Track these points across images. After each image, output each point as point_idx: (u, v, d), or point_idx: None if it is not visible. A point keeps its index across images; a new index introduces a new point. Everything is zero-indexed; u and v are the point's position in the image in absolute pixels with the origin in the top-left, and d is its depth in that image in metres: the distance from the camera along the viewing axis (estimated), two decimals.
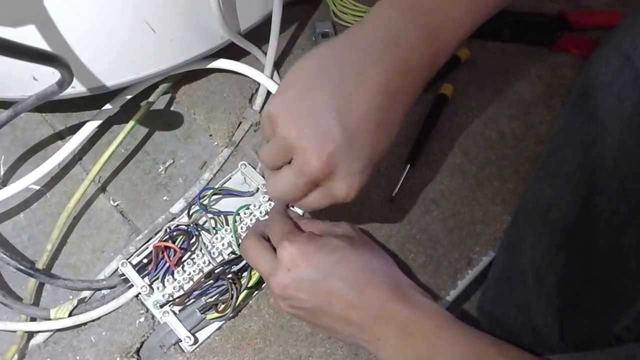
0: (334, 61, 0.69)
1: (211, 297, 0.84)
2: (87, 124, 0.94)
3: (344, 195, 0.72)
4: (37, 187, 0.95)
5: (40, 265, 0.89)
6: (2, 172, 0.97)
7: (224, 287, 0.84)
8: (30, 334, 0.88)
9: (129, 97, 0.97)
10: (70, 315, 0.86)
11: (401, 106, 0.70)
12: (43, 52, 0.66)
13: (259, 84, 1.01)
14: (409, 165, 0.94)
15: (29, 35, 0.79)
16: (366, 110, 0.67)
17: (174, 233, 0.88)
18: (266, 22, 0.97)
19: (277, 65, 1.04)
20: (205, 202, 0.91)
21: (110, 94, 0.95)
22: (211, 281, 0.84)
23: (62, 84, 0.76)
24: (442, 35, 0.69)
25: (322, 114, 0.67)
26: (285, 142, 0.69)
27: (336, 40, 0.70)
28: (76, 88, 0.89)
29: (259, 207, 0.90)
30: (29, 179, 0.90)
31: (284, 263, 0.74)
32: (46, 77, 0.82)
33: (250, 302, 0.87)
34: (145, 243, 0.91)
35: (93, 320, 0.87)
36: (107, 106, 0.96)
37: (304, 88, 0.68)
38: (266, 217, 0.89)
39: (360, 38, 0.69)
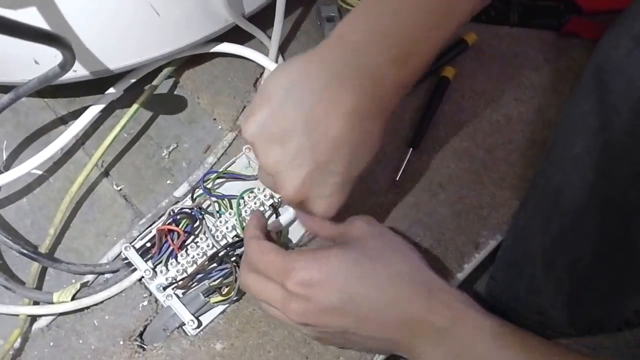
0: (304, 84, 0.68)
1: (215, 280, 0.84)
2: (90, 108, 0.93)
3: (323, 213, 0.71)
4: (40, 172, 0.94)
5: (43, 249, 0.89)
6: (4, 158, 0.96)
7: (227, 270, 0.83)
8: (33, 318, 0.87)
9: (132, 80, 0.96)
10: (73, 299, 0.85)
11: (372, 130, 0.69)
12: (44, 31, 0.65)
13: (263, 68, 1.01)
14: (411, 149, 0.93)
15: (29, 18, 0.78)
16: (336, 135, 0.66)
17: (178, 216, 0.88)
18: (271, 5, 0.96)
19: (282, 49, 1.03)
20: (209, 186, 0.91)
21: (113, 78, 0.95)
22: (215, 264, 0.84)
23: (64, 65, 0.75)
24: (410, 62, 0.68)
25: (293, 140, 0.67)
26: (264, 168, 0.70)
27: (305, 58, 0.69)
28: (79, 72, 0.88)
29: (263, 191, 0.89)
30: (31, 164, 0.90)
31: (299, 293, 0.69)
32: (48, 60, 0.81)
33: None
34: (148, 227, 0.90)
35: (96, 304, 0.87)
36: (110, 90, 0.95)
37: (274, 111, 0.68)
38: (270, 200, 0.89)
39: (330, 61, 0.68)
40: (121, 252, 0.88)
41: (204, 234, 0.88)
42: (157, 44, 0.91)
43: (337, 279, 0.69)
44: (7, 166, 0.95)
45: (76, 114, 0.96)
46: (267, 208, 0.89)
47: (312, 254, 0.72)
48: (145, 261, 0.87)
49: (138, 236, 0.90)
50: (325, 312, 0.69)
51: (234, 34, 0.98)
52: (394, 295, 0.69)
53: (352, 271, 0.70)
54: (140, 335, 0.86)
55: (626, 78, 0.80)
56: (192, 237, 0.89)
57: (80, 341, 0.85)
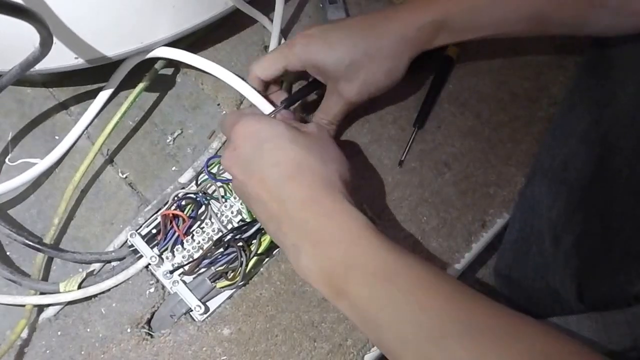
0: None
1: (221, 265, 0.84)
2: (95, 100, 0.94)
3: None
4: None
5: (48, 239, 0.89)
6: (10, 148, 0.96)
7: (233, 254, 0.83)
8: (40, 309, 0.87)
9: (134, 67, 0.95)
10: (79, 287, 0.85)
11: None
12: (14, 4, 0.63)
13: (266, 53, 1.00)
14: (416, 129, 0.93)
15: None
16: None
17: (182, 202, 0.88)
18: None
19: (284, 32, 1.02)
20: (213, 171, 0.90)
21: (115, 66, 0.94)
22: (221, 249, 0.83)
23: (44, 43, 0.74)
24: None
25: None
26: None
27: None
28: (78, 59, 0.87)
29: None
30: (43, 165, 0.91)
31: (232, 139, 0.78)
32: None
33: (261, 269, 0.87)
34: (154, 214, 0.90)
35: (103, 292, 0.87)
36: (112, 79, 0.95)
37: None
38: None
39: None
40: (127, 239, 0.88)
41: (210, 218, 0.88)
42: (155, 29, 0.90)
43: (258, 139, 0.76)
44: (14, 157, 0.95)
45: (81, 102, 0.97)
46: None
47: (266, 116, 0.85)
48: (151, 248, 0.87)
49: (144, 223, 0.90)
50: (237, 160, 0.76)
51: (236, 18, 0.98)
52: (290, 175, 0.73)
53: (273, 141, 0.75)
54: (148, 322, 0.86)
55: (630, 52, 0.79)
56: (198, 222, 0.89)
57: (88, 329, 0.85)
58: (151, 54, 0.93)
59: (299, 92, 0.90)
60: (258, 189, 0.73)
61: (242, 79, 0.89)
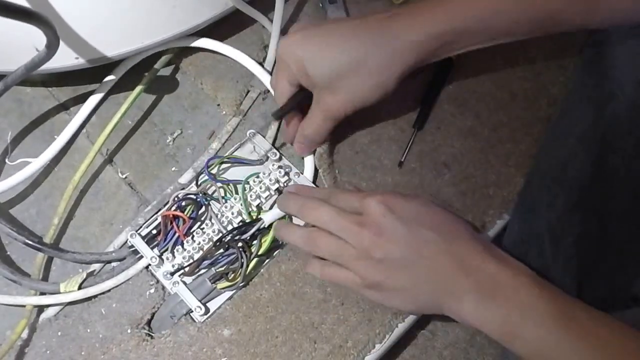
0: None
1: (221, 266, 0.84)
2: (91, 97, 0.94)
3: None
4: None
5: (47, 239, 0.89)
6: (9, 148, 0.96)
7: (233, 255, 0.83)
8: (41, 309, 0.87)
9: (132, 66, 0.96)
10: (79, 288, 0.85)
11: None
12: (20, 7, 0.63)
13: (266, 52, 1.00)
14: (415, 129, 0.93)
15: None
16: None
17: (183, 203, 0.88)
18: None
19: (284, 32, 1.02)
20: (213, 171, 0.90)
21: (114, 65, 0.95)
22: (221, 250, 0.83)
23: (50, 45, 0.74)
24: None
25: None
26: None
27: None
28: (79, 59, 0.88)
29: (269, 175, 0.89)
30: (39, 161, 0.91)
31: (374, 216, 0.75)
32: None
33: (261, 270, 0.87)
34: (154, 214, 0.90)
35: (103, 293, 0.87)
36: (111, 77, 0.95)
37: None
38: (276, 185, 0.89)
39: None
40: (127, 239, 0.88)
41: (210, 219, 0.88)
42: (156, 29, 0.90)
43: (409, 207, 0.77)
44: (13, 157, 0.95)
45: (80, 102, 0.96)
46: (272, 192, 0.89)
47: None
48: (152, 248, 0.87)
49: (144, 224, 0.90)
50: (394, 232, 0.74)
51: (235, 17, 0.98)
52: (454, 235, 0.76)
53: (424, 207, 0.79)
54: (148, 322, 0.86)
55: (629, 52, 0.80)
56: (198, 223, 0.89)
57: (88, 330, 0.86)
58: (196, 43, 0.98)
59: (289, 102, 0.86)
60: (421, 253, 0.74)
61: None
